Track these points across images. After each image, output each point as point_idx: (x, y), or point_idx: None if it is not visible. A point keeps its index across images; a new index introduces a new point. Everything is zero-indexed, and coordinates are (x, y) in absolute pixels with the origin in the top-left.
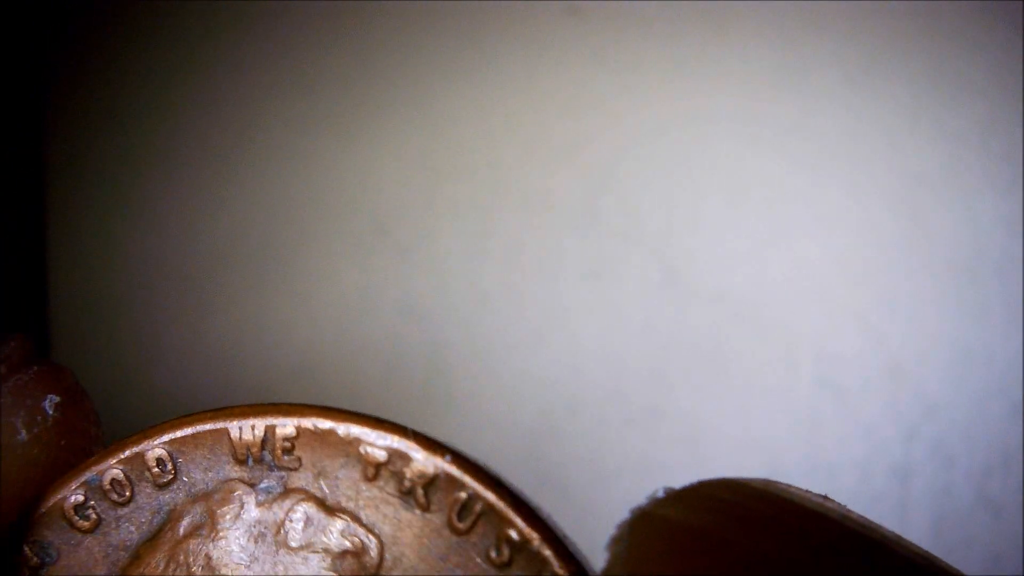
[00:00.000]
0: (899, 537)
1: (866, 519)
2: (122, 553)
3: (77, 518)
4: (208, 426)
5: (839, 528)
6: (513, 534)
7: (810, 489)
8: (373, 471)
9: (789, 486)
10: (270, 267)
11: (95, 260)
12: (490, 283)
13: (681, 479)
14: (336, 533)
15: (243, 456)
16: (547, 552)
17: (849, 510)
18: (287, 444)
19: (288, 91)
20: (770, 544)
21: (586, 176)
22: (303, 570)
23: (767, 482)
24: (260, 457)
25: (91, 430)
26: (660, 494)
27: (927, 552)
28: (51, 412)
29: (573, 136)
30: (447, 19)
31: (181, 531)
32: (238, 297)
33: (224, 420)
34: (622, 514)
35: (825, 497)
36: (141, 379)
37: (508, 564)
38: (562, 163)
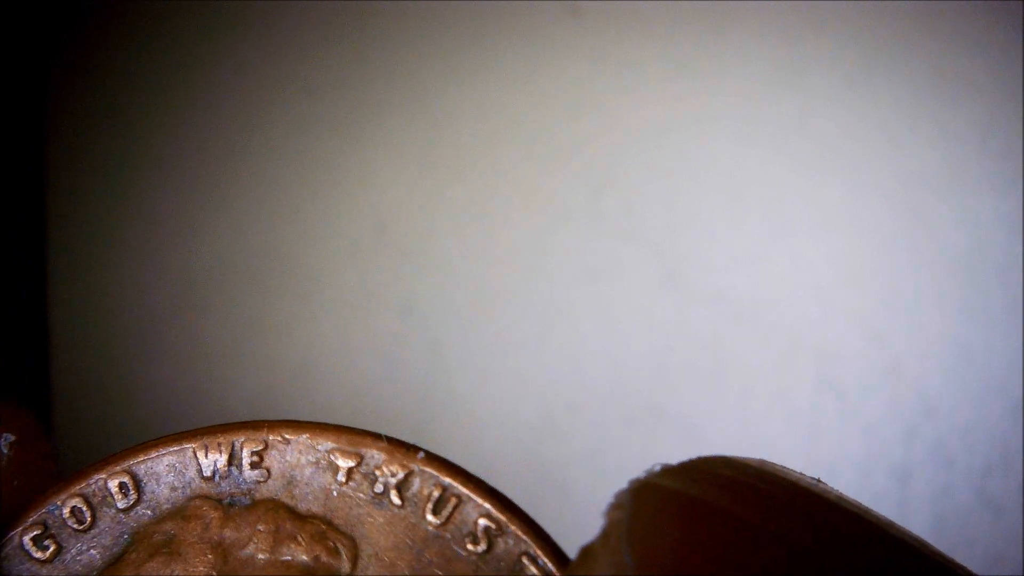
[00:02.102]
0: (891, 522)
1: (859, 503)
2: None
3: (35, 549)
4: (173, 447)
5: (836, 507)
6: (489, 522)
7: (804, 473)
8: (345, 476)
9: (784, 467)
10: (270, 267)
11: (95, 260)
12: (490, 283)
13: None
14: (307, 539)
15: (209, 473)
16: (524, 535)
17: (842, 493)
18: (255, 457)
19: (288, 91)
20: (768, 517)
21: (586, 176)
22: None
23: (763, 461)
24: (227, 472)
25: (48, 469)
26: (657, 468)
27: (918, 536)
28: (6, 451)
29: (573, 136)
30: (447, 19)
31: (145, 552)
32: (238, 297)
33: (189, 441)
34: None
35: (818, 480)
36: (141, 379)
37: (487, 551)
38: (562, 163)
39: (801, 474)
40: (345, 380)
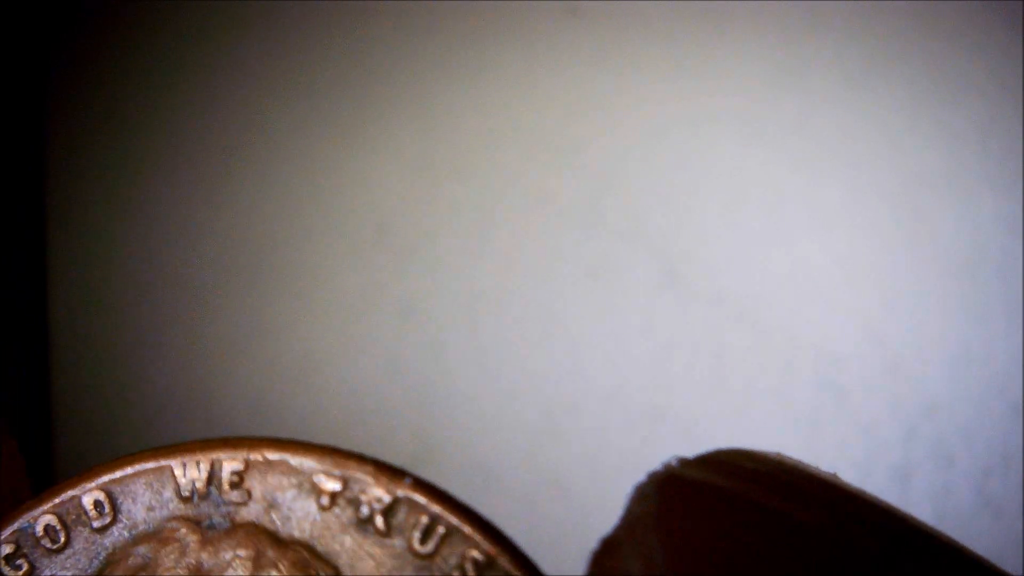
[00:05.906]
0: (908, 514)
1: (876, 496)
2: None
3: (8, 569)
4: (150, 464)
5: (858, 498)
6: (477, 554)
7: (820, 468)
8: (328, 500)
9: (800, 461)
10: (270, 267)
11: (95, 260)
12: (490, 283)
13: None
14: (289, 567)
15: (188, 493)
16: (513, 570)
17: (861, 489)
18: (235, 478)
19: (288, 92)
20: (794, 507)
21: (586, 176)
22: None
23: (780, 455)
24: (206, 493)
25: (17, 478)
26: (674, 462)
27: (940, 531)
28: None
29: (573, 136)
30: (447, 19)
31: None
32: (238, 297)
33: (167, 458)
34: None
35: (835, 475)
36: (141, 379)
37: None
38: (562, 163)
39: (818, 468)
40: (345, 380)
